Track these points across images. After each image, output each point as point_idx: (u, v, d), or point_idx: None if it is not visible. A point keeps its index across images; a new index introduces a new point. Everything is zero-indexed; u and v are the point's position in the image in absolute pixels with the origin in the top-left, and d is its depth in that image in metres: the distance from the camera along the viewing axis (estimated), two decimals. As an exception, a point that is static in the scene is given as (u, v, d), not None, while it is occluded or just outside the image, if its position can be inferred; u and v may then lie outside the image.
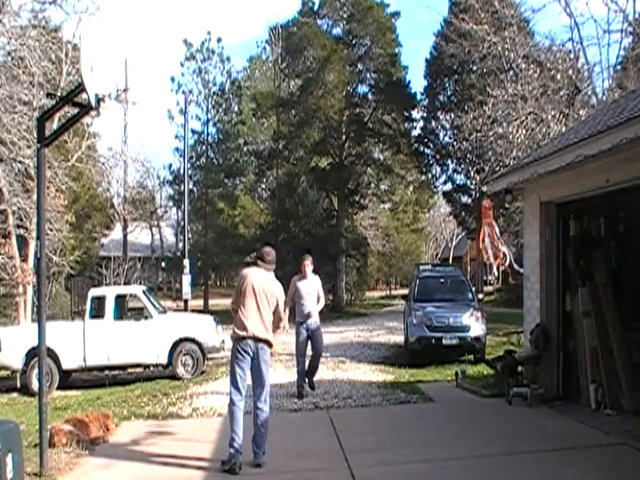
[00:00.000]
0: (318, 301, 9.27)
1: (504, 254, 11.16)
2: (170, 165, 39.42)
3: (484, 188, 11.49)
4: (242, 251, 33.94)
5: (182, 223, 31.17)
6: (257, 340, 6.05)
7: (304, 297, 9.13)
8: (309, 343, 9.32)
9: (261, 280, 6.19)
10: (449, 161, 29.33)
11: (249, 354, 6.05)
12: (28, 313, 16.65)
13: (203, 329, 12.85)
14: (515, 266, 12.19)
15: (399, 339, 16.24)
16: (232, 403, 6.07)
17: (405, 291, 24.74)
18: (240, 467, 5.88)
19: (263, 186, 38.45)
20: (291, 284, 9.24)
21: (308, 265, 9.16)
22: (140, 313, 12.70)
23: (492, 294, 33.62)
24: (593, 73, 17.49)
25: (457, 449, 6.39)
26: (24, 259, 16.64)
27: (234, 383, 6.09)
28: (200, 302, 33.52)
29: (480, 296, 14.84)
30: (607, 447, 6.31)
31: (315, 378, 10.53)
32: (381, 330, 19.99)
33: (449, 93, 28.61)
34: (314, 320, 9.19)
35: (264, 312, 6.11)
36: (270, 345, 6.19)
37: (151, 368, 12.84)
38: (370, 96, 31.30)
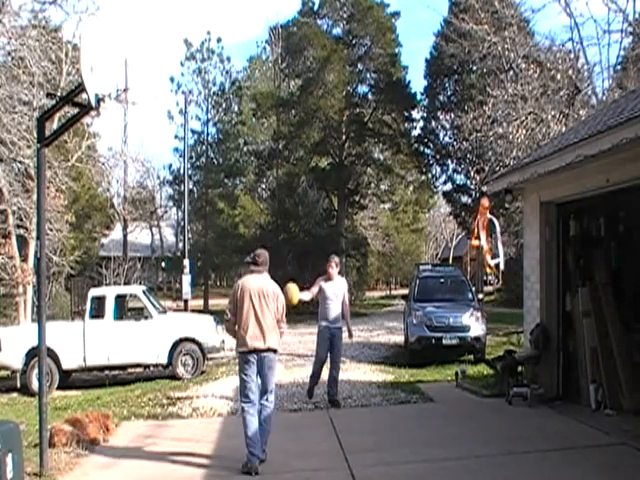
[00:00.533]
0: (343, 306, 8.75)
1: (493, 265, 11.32)
2: (170, 165, 39.51)
3: (484, 188, 11.49)
4: (242, 251, 33.79)
5: (182, 223, 31.18)
6: (263, 351, 6.08)
7: (330, 299, 8.61)
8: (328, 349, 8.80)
9: (256, 284, 6.17)
10: (449, 161, 29.34)
11: (254, 363, 6.11)
12: (28, 313, 16.64)
13: (203, 329, 12.84)
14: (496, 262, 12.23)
15: (399, 339, 16.23)
16: (243, 410, 6.13)
17: (405, 291, 24.73)
18: (257, 471, 5.87)
19: (263, 186, 38.47)
20: (316, 282, 8.82)
21: (333, 267, 8.65)
22: (140, 313, 12.69)
23: (492, 294, 33.62)
24: (593, 73, 17.51)
25: (457, 449, 6.40)
26: (24, 259, 16.64)
27: (243, 391, 6.16)
28: (200, 302, 33.52)
29: (480, 296, 14.81)
30: (607, 447, 6.31)
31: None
32: (381, 330, 19.98)
33: (449, 93, 28.62)
34: (339, 325, 8.68)
35: (262, 318, 6.08)
36: (274, 351, 6.19)
37: (151, 368, 12.83)
38: (370, 96, 31.32)
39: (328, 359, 8.85)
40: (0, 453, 4.84)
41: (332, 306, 8.62)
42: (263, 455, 6.09)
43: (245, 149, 38.79)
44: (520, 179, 8.26)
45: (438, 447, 6.49)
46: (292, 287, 7.80)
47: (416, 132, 31.25)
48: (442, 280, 14.80)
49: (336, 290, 8.67)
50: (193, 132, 36.87)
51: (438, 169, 30.76)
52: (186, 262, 22.91)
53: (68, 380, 12.31)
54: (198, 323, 13.33)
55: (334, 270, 8.68)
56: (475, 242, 11.73)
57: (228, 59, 38.03)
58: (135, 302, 13.10)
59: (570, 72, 17.17)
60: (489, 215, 13.56)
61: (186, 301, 22.61)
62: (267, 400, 6.22)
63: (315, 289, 8.73)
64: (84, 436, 7.00)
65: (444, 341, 12.40)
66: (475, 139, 20.19)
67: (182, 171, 31.62)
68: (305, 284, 8.79)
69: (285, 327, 6.37)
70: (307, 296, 8.67)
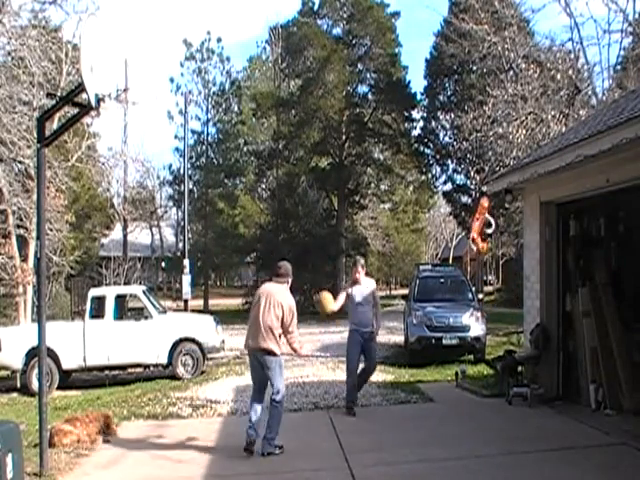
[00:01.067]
0: (374, 308, 8.28)
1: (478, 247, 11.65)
2: (170, 165, 39.53)
3: (484, 188, 11.50)
4: (242, 251, 33.92)
5: (182, 223, 31.18)
6: (257, 350, 6.41)
7: (360, 303, 8.13)
8: (361, 354, 8.31)
9: (269, 290, 6.55)
10: (449, 161, 29.36)
11: (255, 363, 6.55)
12: (28, 313, 16.63)
13: (203, 329, 12.83)
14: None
15: (399, 339, 16.22)
16: (250, 399, 6.77)
17: (405, 291, 24.71)
18: (251, 448, 6.33)
19: (263, 186, 38.47)
20: (343, 289, 8.48)
21: (360, 271, 8.23)
22: (140, 313, 12.68)
23: (492, 294, 33.63)
24: (593, 73, 17.52)
25: (457, 449, 6.40)
26: (24, 259, 16.63)
27: (253, 386, 6.72)
28: (200, 302, 33.52)
29: (480, 296, 14.81)
30: (607, 447, 6.31)
31: (315, 379, 10.51)
32: (381, 330, 19.90)
33: (449, 93, 28.64)
34: (370, 330, 8.19)
35: (262, 321, 6.34)
36: (271, 353, 6.35)
37: (151, 368, 12.82)
38: (370, 96, 31.31)
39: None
40: (0, 453, 4.84)
41: (362, 310, 8.13)
42: (269, 449, 6.35)
43: (245, 149, 38.80)
44: (520, 179, 8.26)
45: (438, 447, 6.50)
46: (326, 296, 7.93)
47: (416, 132, 31.29)
48: (442, 280, 14.79)
49: (364, 292, 8.18)
50: (193, 132, 36.91)
51: (438, 169, 30.80)
52: (186, 262, 22.90)
53: (68, 380, 12.30)
54: (198, 323, 13.33)
55: (361, 274, 8.23)
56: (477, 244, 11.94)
57: (228, 59, 38.15)
58: (135, 302, 13.09)
59: (570, 72, 17.17)
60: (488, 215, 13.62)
61: (186, 301, 22.59)
62: (273, 400, 6.48)
63: (342, 298, 8.22)
64: (84, 436, 7.00)
65: (444, 341, 12.40)
66: (475, 139, 20.20)
67: (182, 171, 31.63)
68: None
69: (295, 335, 6.54)
70: (337, 307, 8.19)
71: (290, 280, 6.64)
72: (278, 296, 6.41)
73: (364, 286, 8.25)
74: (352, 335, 8.23)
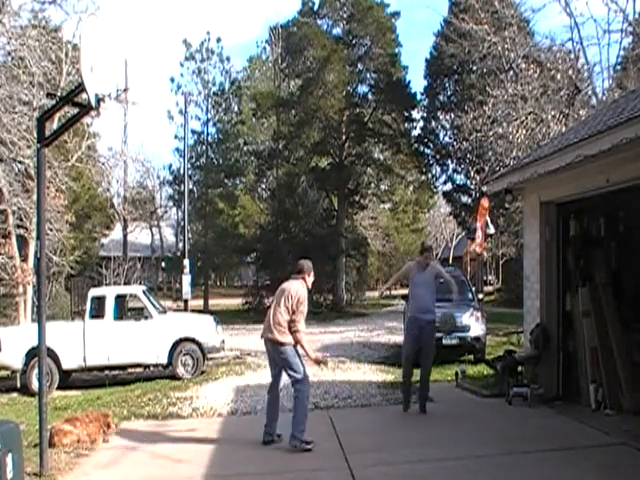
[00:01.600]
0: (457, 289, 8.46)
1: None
2: (170, 165, 39.58)
3: (484, 188, 11.50)
4: (242, 251, 33.90)
5: (182, 223, 31.20)
6: (266, 341, 6.78)
7: (420, 286, 8.08)
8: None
9: (284, 286, 6.84)
10: (449, 161, 29.34)
11: (269, 352, 6.87)
12: (28, 313, 16.62)
13: (203, 329, 12.83)
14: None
15: (399, 339, 16.20)
16: (267, 392, 7.05)
17: (405, 291, 24.67)
18: (266, 442, 6.70)
19: (263, 186, 38.45)
20: (406, 267, 8.53)
21: (431, 257, 8.40)
22: (140, 313, 12.67)
23: (492, 294, 33.63)
24: (593, 73, 17.50)
25: (457, 449, 6.40)
26: (24, 259, 16.62)
27: (271, 376, 6.98)
28: (200, 302, 33.51)
29: (480, 296, 14.80)
30: (607, 447, 6.31)
31: (315, 379, 10.47)
32: (381, 330, 19.98)
33: (449, 93, 28.63)
34: (430, 317, 8.03)
35: (272, 312, 6.69)
36: (277, 343, 6.60)
37: (151, 368, 12.82)
38: (370, 96, 31.30)
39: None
40: (0, 453, 4.84)
41: (423, 293, 8.09)
42: (294, 442, 6.48)
43: (245, 149, 38.79)
44: (520, 179, 8.26)
45: (438, 447, 6.50)
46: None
47: (416, 132, 31.26)
48: (442, 280, 14.75)
49: (428, 277, 8.14)
50: (193, 132, 36.93)
51: (438, 169, 30.78)
52: (186, 262, 22.91)
53: (68, 380, 12.30)
54: (198, 323, 13.33)
55: (431, 260, 8.39)
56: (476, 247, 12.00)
57: (228, 59, 38.15)
58: (135, 302, 13.08)
59: (570, 72, 17.16)
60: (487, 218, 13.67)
61: (186, 301, 22.60)
62: (294, 387, 6.68)
63: (400, 273, 8.86)
64: (84, 436, 7.00)
65: (444, 341, 12.35)
66: (475, 139, 20.18)
67: (182, 171, 31.66)
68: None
69: (300, 327, 6.62)
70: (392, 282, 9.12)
71: (308, 277, 6.84)
72: (290, 287, 6.71)
73: (430, 269, 8.23)
74: (408, 325, 8.31)
